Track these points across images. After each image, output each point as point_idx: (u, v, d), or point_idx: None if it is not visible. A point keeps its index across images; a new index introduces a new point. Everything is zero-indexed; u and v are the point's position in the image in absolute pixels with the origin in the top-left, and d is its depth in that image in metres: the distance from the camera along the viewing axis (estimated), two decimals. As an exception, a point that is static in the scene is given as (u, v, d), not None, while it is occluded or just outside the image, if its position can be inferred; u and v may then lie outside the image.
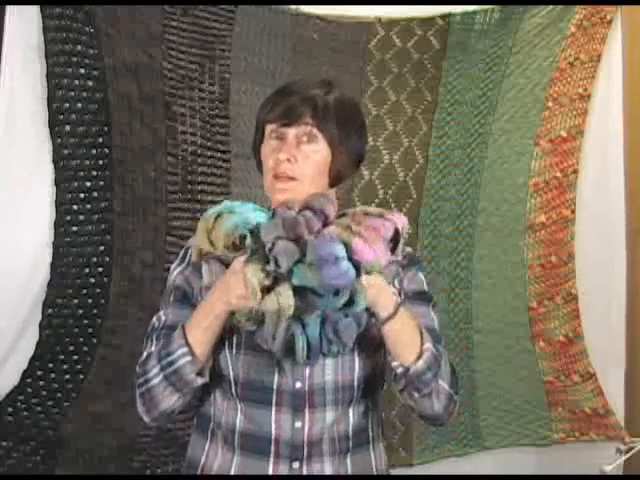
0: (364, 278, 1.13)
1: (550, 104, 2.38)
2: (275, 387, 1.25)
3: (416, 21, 2.35)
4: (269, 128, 1.31)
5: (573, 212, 2.38)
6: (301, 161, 1.28)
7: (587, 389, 2.36)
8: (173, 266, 1.37)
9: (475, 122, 2.38)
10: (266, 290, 1.11)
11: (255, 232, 1.13)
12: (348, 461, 1.31)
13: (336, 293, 1.09)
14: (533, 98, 2.37)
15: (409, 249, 1.41)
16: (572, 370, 2.37)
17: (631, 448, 2.25)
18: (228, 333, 1.28)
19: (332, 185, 1.34)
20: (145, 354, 1.28)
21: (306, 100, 1.29)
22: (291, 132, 1.29)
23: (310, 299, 1.10)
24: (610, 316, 2.38)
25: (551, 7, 2.33)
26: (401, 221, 1.27)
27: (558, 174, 2.39)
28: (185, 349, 1.21)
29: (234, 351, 1.27)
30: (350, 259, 1.09)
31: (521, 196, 2.39)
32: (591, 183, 2.38)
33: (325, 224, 1.18)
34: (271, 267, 1.09)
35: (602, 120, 2.37)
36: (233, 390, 1.28)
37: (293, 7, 2.25)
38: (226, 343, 1.28)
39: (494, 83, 2.37)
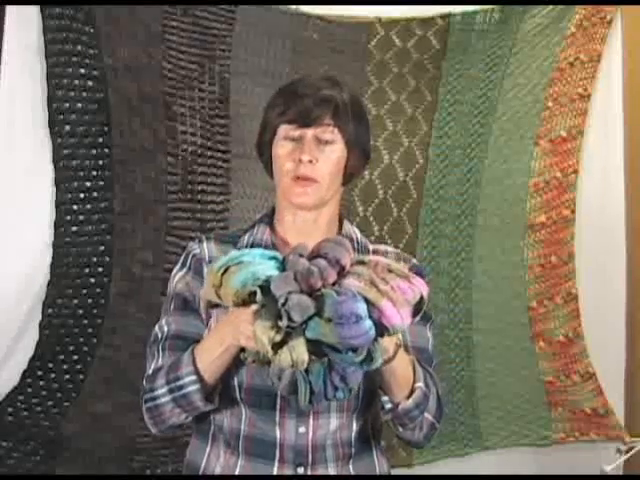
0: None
1: (550, 104, 2.37)
2: (279, 392, 1.25)
3: (416, 21, 2.35)
4: (283, 129, 1.29)
5: (573, 212, 2.37)
6: (322, 162, 1.27)
7: (587, 389, 2.35)
8: (174, 272, 1.35)
9: (475, 122, 2.38)
10: (278, 344, 1.07)
11: (265, 287, 1.08)
12: (351, 467, 1.31)
13: (354, 350, 1.05)
14: (533, 98, 2.37)
15: (414, 260, 1.41)
16: (572, 370, 2.37)
17: (631, 448, 2.25)
18: None
19: (344, 184, 1.35)
20: (152, 368, 1.27)
21: (324, 100, 1.28)
22: (310, 133, 1.28)
23: (324, 351, 1.07)
24: (610, 316, 2.38)
25: (551, 7, 2.32)
26: (425, 288, 1.18)
27: (558, 174, 2.39)
28: (194, 377, 1.20)
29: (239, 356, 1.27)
30: (371, 317, 1.05)
31: (521, 196, 2.39)
32: (591, 183, 2.38)
33: (340, 274, 1.13)
34: (284, 323, 1.05)
35: (602, 120, 2.36)
36: (237, 395, 1.27)
37: (293, 7, 2.25)
38: None
39: (494, 83, 2.37)
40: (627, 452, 2.25)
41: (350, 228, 1.40)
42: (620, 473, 2.29)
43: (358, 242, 1.39)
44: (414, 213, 2.36)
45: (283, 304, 1.05)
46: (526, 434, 2.40)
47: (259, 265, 1.13)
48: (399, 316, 1.09)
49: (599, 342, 2.36)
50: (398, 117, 2.35)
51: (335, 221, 1.39)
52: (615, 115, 2.35)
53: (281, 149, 1.30)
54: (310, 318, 1.05)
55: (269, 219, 1.37)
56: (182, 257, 1.36)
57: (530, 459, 2.41)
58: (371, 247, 1.41)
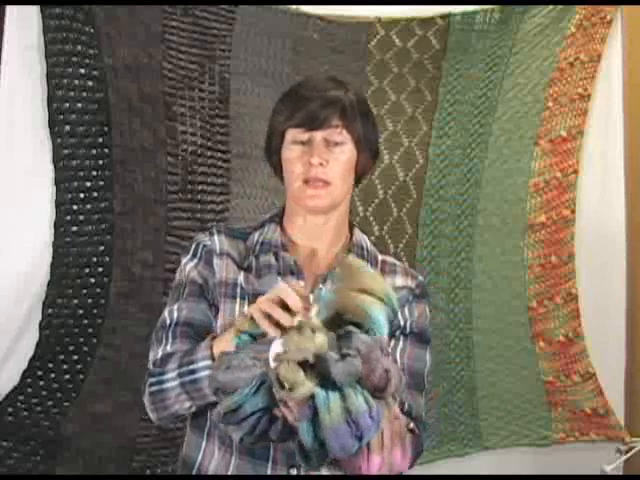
0: None
1: (550, 104, 2.37)
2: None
3: (416, 21, 2.34)
4: (291, 133, 1.30)
5: (573, 212, 2.37)
6: (332, 163, 1.27)
7: (587, 389, 2.35)
8: (184, 261, 1.35)
9: (475, 122, 2.38)
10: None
11: None
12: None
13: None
14: (533, 98, 2.37)
15: (421, 278, 1.41)
16: (572, 370, 2.36)
17: (631, 448, 2.25)
18: None
19: (356, 184, 1.35)
20: (161, 353, 1.26)
21: (331, 102, 1.28)
22: (318, 135, 1.28)
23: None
24: (610, 316, 2.38)
25: (551, 7, 2.32)
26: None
27: (558, 174, 2.38)
28: (209, 362, 1.17)
29: None
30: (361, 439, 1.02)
31: (521, 196, 2.39)
32: (591, 183, 2.38)
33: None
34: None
35: (602, 120, 2.36)
36: None
37: (293, 7, 2.25)
38: None
39: (494, 83, 2.37)
40: (627, 452, 2.25)
41: (361, 237, 1.41)
42: (620, 473, 2.28)
43: (367, 251, 1.39)
44: (414, 213, 2.36)
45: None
46: (526, 434, 2.40)
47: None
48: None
49: (599, 342, 2.36)
50: (398, 117, 2.35)
51: (345, 226, 1.39)
52: (615, 115, 2.35)
53: (290, 153, 1.30)
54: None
55: (279, 219, 1.37)
56: (192, 248, 1.35)
57: (530, 459, 2.41)
58: (380, 257, 1.41)
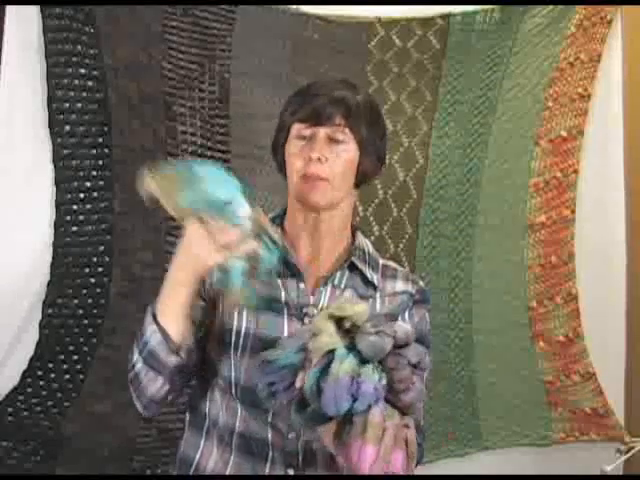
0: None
1: (550, 104, 2.37)
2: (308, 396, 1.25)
3: (416, 21, 2.34)
4: (296, 128, 1.30)
5: (573, 212, 2.37)
6: (332, 161, 1.28)
7: (587, 389, 2.36)
8: None
9: (475, 122, 2.38)
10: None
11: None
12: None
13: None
14: (533, 98, 2.37)
15: (422, 283, 1.41)
16: (572, 370, 2.37)
17: (631, 448, 2.25)
18: (235, 335, 1.27)
19: (357, 186, 1.35)
20: (134, 348, 1.28)
21: (336, 100, 1.29)
22: (321, 132, 1.28)
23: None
24: (610, 316, 2.38)
25: (551, 7, 2.32)
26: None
27: (558, 174, 2.39)
28: (153, 326, 1.20)
29: (239, 354, 1.27)
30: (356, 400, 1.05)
31: (521, 196, 2.39)
32: (591, 183, 2.38)
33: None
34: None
35: (602, 120, 2.36)
36: (233, 391, 1.27)
37: (293, 7, 2.25)
38: (231, 345, 1.27)
39: (494, 83, 2.37)
40: (627, 452, 2.25)
41: (363, 240, 1.40)
42: (620, 473, 2.29)
43: (369, 255, 1.39)
44: (414, 213, 2.36)
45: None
46: (526, 434, 2.40)
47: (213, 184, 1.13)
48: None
49: (599, 342, 2.36)
50: (398, 117, 2.35)
51: (347, 229, 1.38)
52: (615, 115, 2.35)
53: (293, 148, 1.31)
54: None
55: (280, 220, 1.37)
56: None
57: (530, 459, 2.41)
58: (381, 262, 1.41)
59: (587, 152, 2.38)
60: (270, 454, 1.26)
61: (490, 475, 2.31)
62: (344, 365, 1.04)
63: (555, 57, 2.35)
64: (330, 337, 1.07)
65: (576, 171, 2.38)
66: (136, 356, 1.24)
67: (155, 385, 1.24)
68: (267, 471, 1.26)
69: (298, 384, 1.09)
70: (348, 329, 1.08)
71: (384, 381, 1.07)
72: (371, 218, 2.33)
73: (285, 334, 1.27)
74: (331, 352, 1.06)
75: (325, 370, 1.05)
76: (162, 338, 1.20)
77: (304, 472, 1.27)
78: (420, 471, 2.39)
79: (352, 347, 1.06)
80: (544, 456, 2.40)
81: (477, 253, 2.38)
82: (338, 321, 1.08)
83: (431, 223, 2.37)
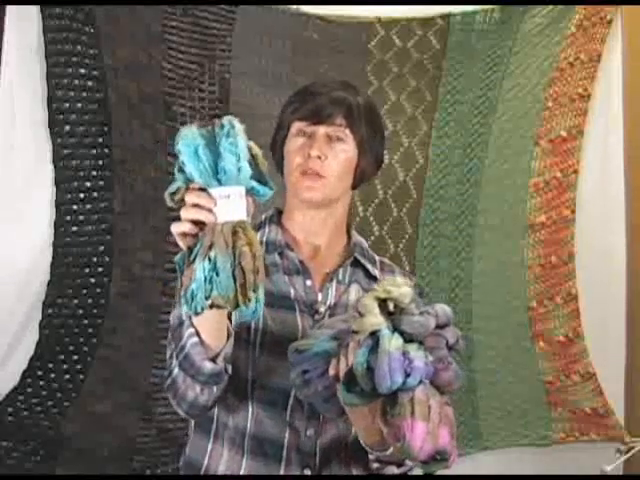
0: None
1: (550, 104, 2.37)
2: (293, 392, 1.24)
3: (416, 21, 2.34)
4: (296, 126, 1.32)
5: (573, 212, 2.37)
6: (331, 159, 1.29)
7: (587, 389, 2.35)
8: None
9: (475, 122, 2.38)
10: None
11: None
12: (353, 470, 1.30)
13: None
14: (533, 98, 2.37)
15: (415, 279, 1.43)
16: (572, 370, 2.37)
17: (631, 448, 2.25)
18: (253, 334, 1.27)
19: (354, 187, 1.37)
20: (169, 352, 1.23)
21: (337, 100, 1.30)
22: (321, 130, 1.30)
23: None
24: (610, 316, 2.38)
25: (551, 7, 2.32)
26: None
27: (558, 174, 2.39)
28: (192, 330, 1.14)
29: (257, 352, 1.26)
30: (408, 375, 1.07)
31: (521, 196, 2.39)
32: (591, 183, 2.38)
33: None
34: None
35: (602, 120, 2.36)
36: (249, 391, 1.26)
37: (293, 7, 2.25)
38: (249, 343, 1.27)
39: (494, 83, 2.37)
40: (627, 452, 2.25)
41: (358, 237, 1.42)
42: (620, 473, 2.29)
43: (367, 251, 1.41)
44: (414, 213, 2.36)
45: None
46: (526, 434, 2.40)
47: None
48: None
49: (599, 342, 2.36)
50: (398, 117, 2.35)
51: (343, 226, 1.40)
52: (615, 115, 2.35)
53: (292, 145, 1.32)
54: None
55: (277, 219, 1.38)
56: None
57: (530, 459, 2.40)
58: (377, 258, 1.43)
59: (587, 152, 2.38)
60: (285, 455, 1.25)
61: (490, 475, 2.31)
62: (393, 343, 1.07)
63: (555, 57, 2.35)
64: (376, 317, 1.09)
65: (576, 171, 2.38)
66: (174, 362, 1.18)
67: (193, 392, 1.18)
68: (282, 472, 1.25)
69: (331, 372, 1.11)
70: (390, 311, 1.11)
71: (431, 358, 1.10)
72: (371, 218, 2.33)
73: (299, 330, 1.28)
74: (375, 333, 1.08)
75: (374, 349, 1.07)
76: (197, 340, 1.14)
77: (321, 473, 1.27)
78: (420, 471, 2.40)
79: (394, 329, 1.09)
80: (544, 456, 2.40)
81: (477, 253, 2.38)
82: (381, 303, 1.11)
83: (431, 223, 2.37)
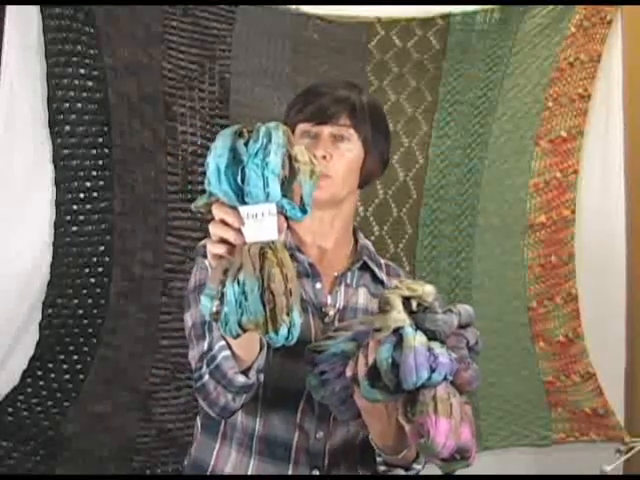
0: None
1: (550, 104, 2.37)
2: (304, 394, 1.24)
3: (416, 21, 2.35)
4: (301, 127, 1.31)
5: (573, 212, 2.37)
6: (336, 159, 1.29)
7: (587, 389, 2.35)
8: (200, 260, 1.30)
9: (475, 122, 2.38)
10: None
11: None
12: (359, 470, 1.30)
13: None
14: (533, 98, 2.37)
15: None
16: (572, 370, 2.37)
17: (631, 448, 2.25)
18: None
19: (361, 186, 1.36)
20: (197, 351, 1.21)
21: (341, 100, 1.30)
22: (326, 130, 1.29)
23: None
24: (610, 316, 2.38)
25: (551, 7, 2.32)
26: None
27: (558, 174, 2.39)
28: (222, 342, 1.12)
29: (269, 354, 1.23)
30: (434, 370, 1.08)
31: (521, 196, 2.39)
32: (591, 183, 2.38)
33: None
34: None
35: (602, 120, 2.36)
36: (260, 393, 1.25)
37: (293, 7, 2.25)
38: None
39: (494, 83, 2.37)
40: (627, 452, 2.25)
41: (365, 240, 1.42)
42: (620, 473, 2.29)
43: (374, 255, 1.42)
44: (414, 213, 2.36)
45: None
46: (526, 434, 2.40)
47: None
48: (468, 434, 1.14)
49: (599, 342, 2.36)
50: (398, 117, 2.35)
51: (350, 229, 1.40)
52: (615, 115, 2.35)
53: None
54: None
55: None
56: (201, 250, 1.31)
57: (530, 459, 2.41)
58: (382, 261, 1.44)
59: (587, 152, 2.38)
60: (293, 456, 1.25)
61: (490, 475, 2.31)
62: (417, 339, 1.07)
63: (555, 57, 2.35)
64: (400, 314, 1.09)
65: (576, 171, 2.38)
66: (205, 369, 1.16)
67: (225, 398, 1.16)
68: (290, 473, 1.25)
69: (349, 373, 1.11)
70: (412, 310, 1.12)
71: (454, 355, 1.11)
72: (371, 218, 2.33)
73: (312, 333, 1.27)
74: (398, 330, 1.09)
75: (398, 345, 1.07)
76: (229, 353, 1.12)
77: (329, 473, 1.27)
78: (420, 471, 2.39)
79: (417, 327, 1.10)
80: (544, 456, 2.40)
81: (477, 253, 2.38)
82: (404, 301, 1.11)
83: (431, 223, 2.37)
